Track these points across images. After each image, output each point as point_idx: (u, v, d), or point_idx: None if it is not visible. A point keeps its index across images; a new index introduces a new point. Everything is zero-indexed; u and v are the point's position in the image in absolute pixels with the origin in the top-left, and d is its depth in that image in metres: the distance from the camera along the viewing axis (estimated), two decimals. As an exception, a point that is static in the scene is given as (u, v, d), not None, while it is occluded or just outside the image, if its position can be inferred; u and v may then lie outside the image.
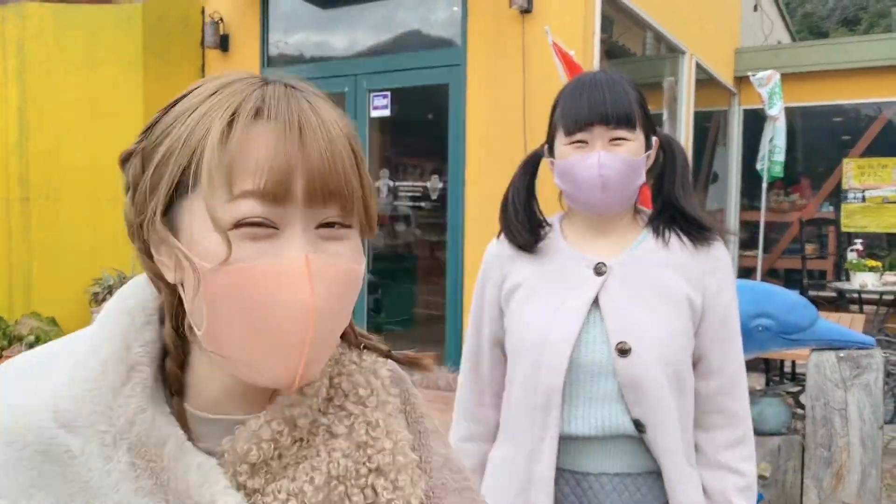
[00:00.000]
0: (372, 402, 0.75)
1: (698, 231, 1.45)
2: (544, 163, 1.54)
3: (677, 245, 1.45)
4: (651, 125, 1.45)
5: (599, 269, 1.43)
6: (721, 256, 1.46)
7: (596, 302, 1.41)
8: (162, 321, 0.70)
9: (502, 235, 1.55)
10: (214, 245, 0.61)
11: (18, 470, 0.62)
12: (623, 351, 1.36)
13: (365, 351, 0.79)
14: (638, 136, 1.40)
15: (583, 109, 1.40)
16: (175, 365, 0.69)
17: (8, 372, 0.68)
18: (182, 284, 0.66)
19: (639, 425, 1.37)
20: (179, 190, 0.64)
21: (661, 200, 1.50)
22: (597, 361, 1.39)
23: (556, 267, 1.47)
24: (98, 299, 5.46)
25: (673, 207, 1.46)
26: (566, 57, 4.27)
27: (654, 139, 1.47)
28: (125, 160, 0.72)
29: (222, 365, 0.66)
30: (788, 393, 3.36)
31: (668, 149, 1.50)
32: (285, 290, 0.61)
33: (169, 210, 0.66)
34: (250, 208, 0.61)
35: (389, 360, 0.81)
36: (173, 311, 0.69)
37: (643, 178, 1.45)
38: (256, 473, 0.67)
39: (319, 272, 0.62)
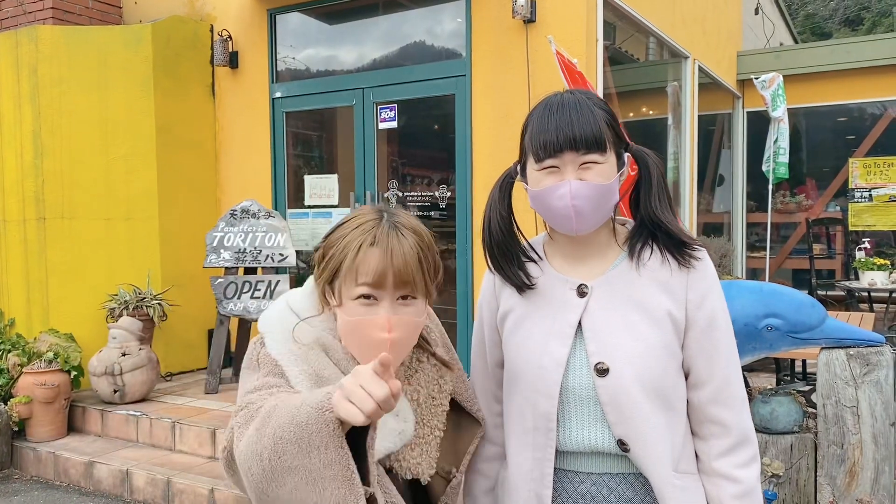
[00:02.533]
0: (434, 342, 1.53)
1: (677, 244, 1.45)
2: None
3: (657, 260, 1.45)
4: (623, 142, 1.45)
5: (582, 291, 1.45)
6: (701, 266, 1.46)
7: (580, 324, 1.44)
8: None
9: None
10: (353, 305, 1.32)
11: (306, 356, 1.36)
12: (601, 371, 1.39)
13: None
14: (609, 158, 1.40)
15: (551, 135, 1.38)
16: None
17: (288, 306, 1.46)
18: (335, 314, 1.39)
19: (622, 444, 1.40)
20: (337, 273, 1.35)
21: (639, 215, 1.49)
22: (582, 385, 1.42)
23: (543, 291, 1.50)
24: (115, 315, 5.54)
25: (650, 221, 1.46)
26: (569, 66, 4.33)
27: (626, 156, 1.46)
28: (316, 250, 1.42)
29: (356, 358, 1.35)
30: (799, 392, 3.40)
31: (642, 163, 1.49)
32: (377, 333, 1.30)
33: (333, 280, 1.36)
34: (365, 290, 1.31)
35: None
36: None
37: (617, 197, 1.44)
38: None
39: (395, 324, 1.31)
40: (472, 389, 1.60)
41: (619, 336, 1.41)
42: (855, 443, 2.83)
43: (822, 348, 2.92)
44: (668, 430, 1.41)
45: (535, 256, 1.54)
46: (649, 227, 1.47)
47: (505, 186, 1.55)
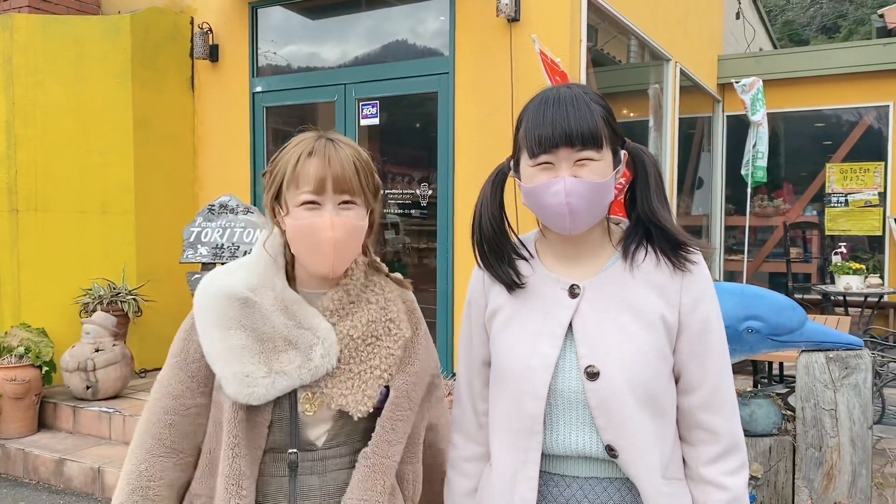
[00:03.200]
0: (385, 291, 1.59)
1: (673, 245, 1.42)
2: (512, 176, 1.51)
3: (651, 262, 1.42)
4: (619, 139, 1.42)
5: (573, 292, 1.42)
6: (696, 270, 1.42)
7: (571, 325, 1.40)
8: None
9: None
10: (298, 211, 1.43)
11: (229, 309, 1.47)
12: (591, 374, 1.36)
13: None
14: (605, 155, 1.37)
15: (546, 129, 1.35)
16: (291, 267, 1.54)
17: (217, 272, 1.54)
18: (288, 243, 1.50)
19: (610, 450, 1.37)
20: (281, 187, 1.46)
21: (635, 215, 1.46)
22: (571, 388, 1.38)
23: (534, 290, 1.46)
24: (88, 310, 5.45)
25: (648, 221, 1.43)
26: (552, 65, 4.32)
27: (622, 153, 1.43)
28: (265, 175, 1.52)
29: (303, 264, 1.50)
30: (778, 394, 3.41)
31: (638, 161, 1.46)
32: (321, 232, 1.42)
33: (279, 196, 1.48)
34: (307, 196, 1.43)
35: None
36: (287, 243, 1.51)
37: (612, 195, 1.41)
38: (333, 315, 1.50)
39: (337, 224, 1.43)
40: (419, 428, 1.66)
41: (610, 339, 1.38)
42: (833, 446, 2.84)
43: (802, 351, 2.93)
44: (658, 436, 1.39)
45: (526, 254, 1.51)
46: (645, 227, 1.44)
47: (497, 182, 1.52)
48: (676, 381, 1.44)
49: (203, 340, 1.47)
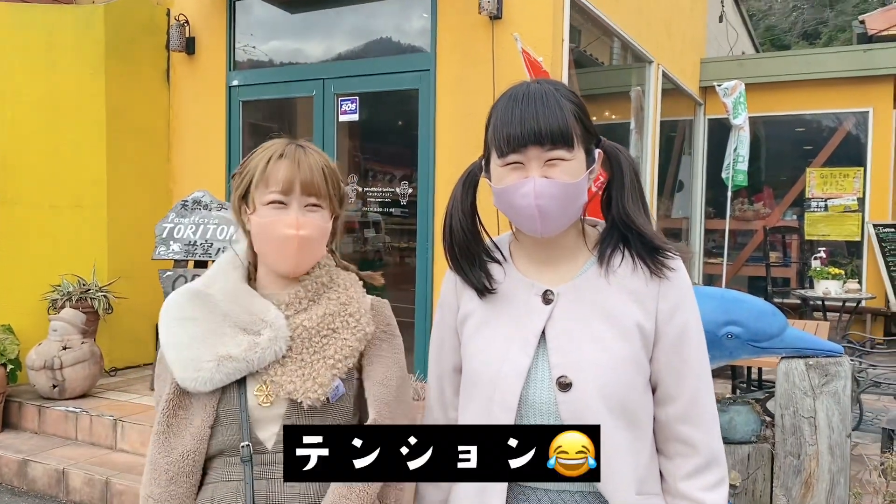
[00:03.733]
0: (348, 286, 1.56)
1: (650, 250, 1.35)
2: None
3: (628, 267, 1.35)
4: (593, 137, 1.36)
5: (547, 297, 1.36)
6: (675, 276, 1.36)
7: (544, 333, 1.34)
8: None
9: None
10: (265, 210, 1.44)
11: (185, 303, 1.49)
12: (563, 385, 1.29)
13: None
14: (577, 154, 1.30)
15: (514, 128, 1.29)
16: (253, 269, 1.54)
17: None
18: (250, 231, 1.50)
19: None
20: (250, 186, 1.47)
21: (610, 217, 1.39)
22: (543, 399, 1.32)
23: (506, 295, 1.40)
24: (57, 306, 5.31)
25: (623, 224, 1.36)
26: (535, 64, 4.26)
27: (597, 152, 1.36)
28: (234, 176, 1.52)
29: (266, 264, 1.50)
30: (756, 400, 3.37)
31: (614, 160, 1.40)
32: (286, 230, 1.43)
33: (246, 196, 1.48)
34: (275, 196, 1.43)
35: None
36: (252, 244, 1.50)
37: (586, 197, 1.35)
38: (288, 308, 1.48)
39: (303, 223, 1.44)
40: (393, 406, 1.52)
41: (584, 348, 1.31)
42: (812, 454, 2.80)
43: (782, 357, 2.88)
44: (633, 450, 1.32)
45: (499, 257, 1.44)
46: (621, 231, 1.37)
47: (469, 183, 1.45)
48: (654, 391, 1.37)
49: (161, 334, 1.49)
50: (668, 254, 1.36)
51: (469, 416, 1.42)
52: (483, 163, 1.42)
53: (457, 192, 1.46)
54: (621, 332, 1.32)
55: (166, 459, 1.42)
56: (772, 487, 2.90)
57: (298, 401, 1.42)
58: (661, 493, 1.37)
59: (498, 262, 1.44)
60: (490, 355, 1.37)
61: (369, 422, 1.47)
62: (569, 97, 1.32)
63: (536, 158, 1.28)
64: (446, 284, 1.52)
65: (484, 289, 1.41)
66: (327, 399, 1.44)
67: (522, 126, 1.28)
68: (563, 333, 1.33)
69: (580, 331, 1.32)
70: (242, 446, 1.42)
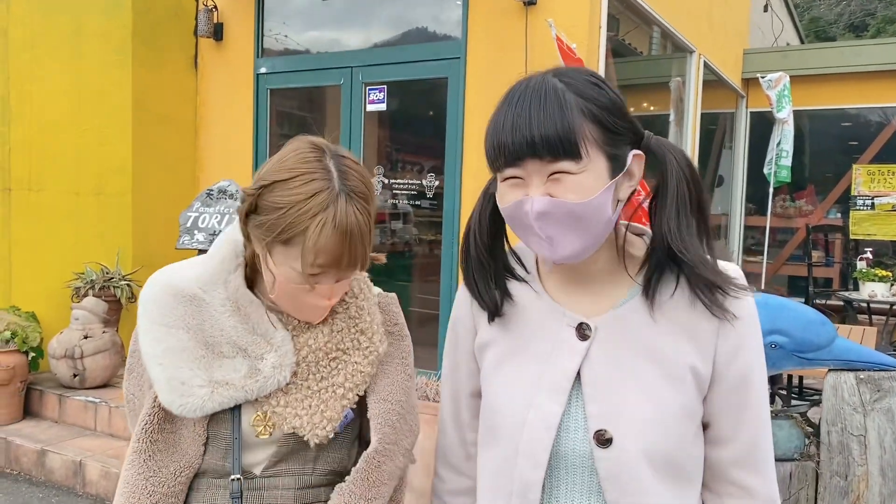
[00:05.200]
0: (361, 297, 1.37)
1: (708, 285, 1.10)
2: None
3: (682, 298, 1.12)
4: (624, 137, 1.08)
5: (583, 332, 1.14)
6: (740, 308, 1.11)
7: (578, 374, 1.13)
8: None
9: None
10: (296, 275, 1.20)
11: (175, 305, 1.27)
12: (603, 441, 1.10)
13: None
14: (590, 165, 1.04)
15: (506, 136, 1.06)
16: (252, 272, 1.32)
17: (175, 265, 1.34)
18: (258, 256, 1.25)
19: None
20: (280, 235, 1.18)
21: (653, 237, 1.14)
22: (577, 452, 1.12)
23: (533, 322, 1.19)
24: (80, 294, 5.26)
25: (668, 249, 1.10)
26: (568, 53, 4.07)
27: (631, 155, 1.09)
28: (249, 195, 1.23)
29: (277, 304, 1.29)
30: (796, 411, 3.16)
31: (660, 163, 1.12)
32: (317, 300, 1.25)
33: (267, 229, 1.20)
34: (317, 270, 1.20)
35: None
36: (252, 253, 1.29)
37: (610, 214, 1.08)
38: (289, 322, 1.30)
39: (336, 292, 1.26)
40: (400, 420, 1.35)
41: (627, 397, 1.10)
42: (861, 475, 2.59)
43: (830, 370, 2.68)
44: None
45: (521, 273, 1.24)
46: (669, 252, 1.11)
47: (489, 195, 1.22)
48: (704, 428, 1.17)
49: (142, 339, 1.26)
50: (733, 293, 1.11)
51: (489, 462, 1.22)
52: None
53: (477, 205, 1.25)
54: (671, 378, 1.11)
55: (150, 482, 1.26)
56: (815, 509, 2.70)
57: (304, 438, 1.25)
58: None
59: (521, 279, 1.24)
60: (514, 399, 1.17)
61: (370, 450, 1.30)
62: (581, 90, 1.06)
63: (537, 173, 1.06)
64: (461, 303, 1.33)
65: (495, 310, 1.22)
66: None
67: (514, 134, 1.05)
68: (601, 378, 1.12)
69: (622, 375, 1.11)
70: (232, 480, 1.26)
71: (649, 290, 1.13)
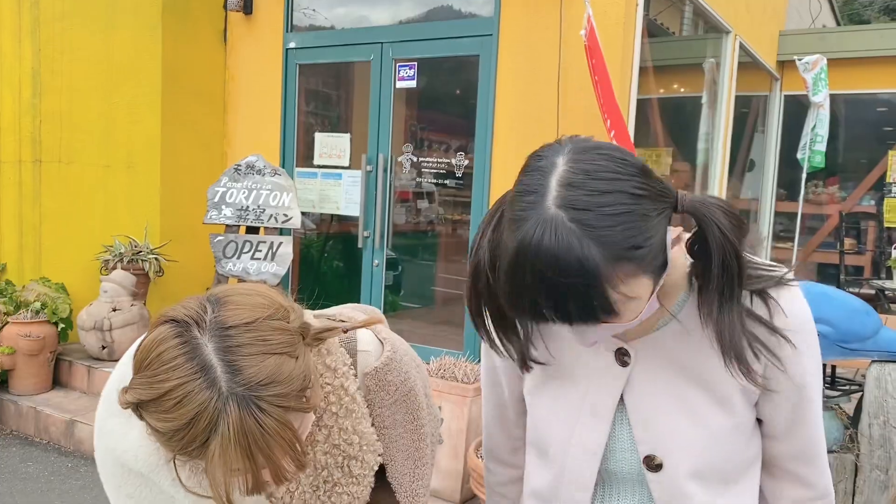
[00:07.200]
0: (342, 413, 1.11)
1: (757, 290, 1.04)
2: None
3: None
4: (661, 254, 0.92)
5: (623, 359, 1.10)
6: (793, 319, 1.04)
7: (622, 399, 1.11)
8: None
9: None
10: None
11: (127, 477, 1.07)
12: (653, 466, 1.09)
13: (331, 354, 1.11)
14: (632, 303, 0.92)
15: (527, 312, 0.93)
16: None
17: (110, 428, 1.08)
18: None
19: None
20: (178, 456, 0.95)
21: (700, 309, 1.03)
22: (626, 471, 1.13)
23: (569, 346, 1.13)
24: (109, 267, 5.28)
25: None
26: (594, 48, 3.94)
27: (669, 238, 0.94)
28: (129, 405, 0.92)
29: None
30: (831, 399, 3.09)
31: (700, 226, 0.97)
32: (267, 479, 0.93)
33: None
34: (237, 476, 0.91)
35: (356, 372, 1.16)
36: None
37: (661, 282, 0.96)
38: None
39: (283, 469, 0.94)
40: (417, 469, 1.25)
41: (674, 422, 1.07)
42: (902, 469, 2.53)
43: (873, 361, 2.61)
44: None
45: None
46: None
47: (501, 216, 1.01)
48: (759, 422, 1.15)
49: (109, 496, 1.15)
50: (781, 325, 1.04)
51: (539, 480, 1.21)
52: None
53: (484, 226, 1.04)
54: (720, 401, 1.08)
55: None
56: (853, 503, 2.65)
57: None
58: None
59: None
60: (557, 424, 1.15)
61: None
62: (601, 228, 0.86)
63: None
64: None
65: (523, 364, 1.11)
66: None
67: (536, 314, 0.92)
68: (646, 404, 1.09)
69: (668, 400, 1.08)
70: None
71: (697, 303, 1.05)
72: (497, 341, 1.10)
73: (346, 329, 1.12)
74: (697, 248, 1.00)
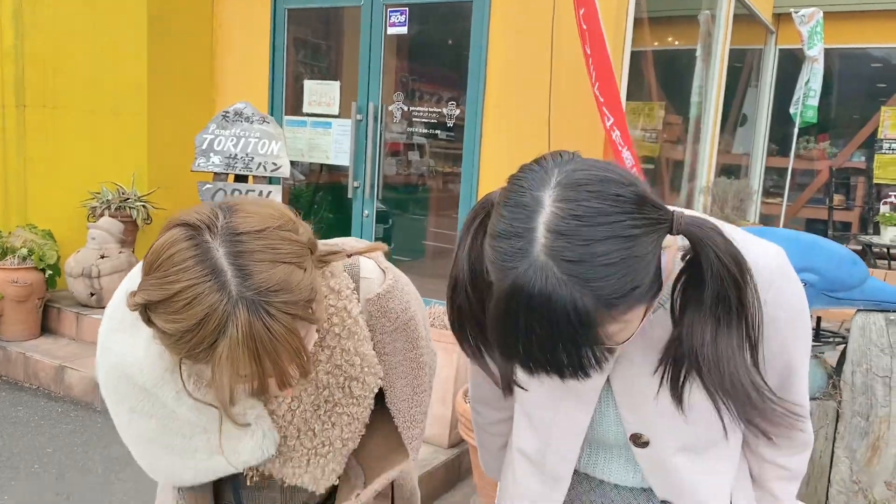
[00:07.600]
0: (345, 335, 1.12)
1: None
2: None
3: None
4: (656, 279, 0.86)
5: None
6: (782, 299, 1.02)
7: (608, 380, 1.11)
8: None
9: None
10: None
11: (132, 391, 1.09)
12: (640, 443, 1.12)
13: (336, 276, 1.13)
14: (627, 324, 0.88)
15: (524, 366, 0.89)
16: None
17: (116, 343, 1.10)
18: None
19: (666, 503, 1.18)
20: (185, 358, 0.98)
21: (683, 339, 0.94)
22: (612, 441, 1.15)
23: None
24: (96, 214, 5.24)
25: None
26: (595, 31, 3.81)
27: (664, 259, 0.88)
28: (133, 307, 0.96)
29: None
30: (815, 347, 3.13)
31: (695, 250, 0.90)
32: (273, 390, 0.98)
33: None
34: (243, 380, 0.95)
35: (359, 297, 1.16)
36: None
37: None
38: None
39: (290, 376, 0.97)
40: (415, 407, 1.27)
41: (660, 403, 1.05)
42: (883, 416, 2.58)
43: (858, 310, 2.64)
44: (725, 474, 1.17)
45: None
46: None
47: (480, 223, 0.96)
48: None
49: (114, 420, 1.17)
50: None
51: (527, 443, 1.24)
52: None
53: (463, 238, 0.98)
54: None
55: None
56: (833, 448, 2.70)
57: (311, 490, 1.20)
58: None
59: None
60: (540, 407, 1.18)
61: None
62: (589, 273, 0.80)
63: None
64: None
65: (506, 387, 1.06)
66: None
67: (532, 369, 0.88)
68: (632, 386, 1.09)
69: (652, 382, 1.03)
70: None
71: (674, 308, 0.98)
72: (480, 357, 1.07)
73: (349, 253, 1.13)
74: (688, 275, 0.93)
